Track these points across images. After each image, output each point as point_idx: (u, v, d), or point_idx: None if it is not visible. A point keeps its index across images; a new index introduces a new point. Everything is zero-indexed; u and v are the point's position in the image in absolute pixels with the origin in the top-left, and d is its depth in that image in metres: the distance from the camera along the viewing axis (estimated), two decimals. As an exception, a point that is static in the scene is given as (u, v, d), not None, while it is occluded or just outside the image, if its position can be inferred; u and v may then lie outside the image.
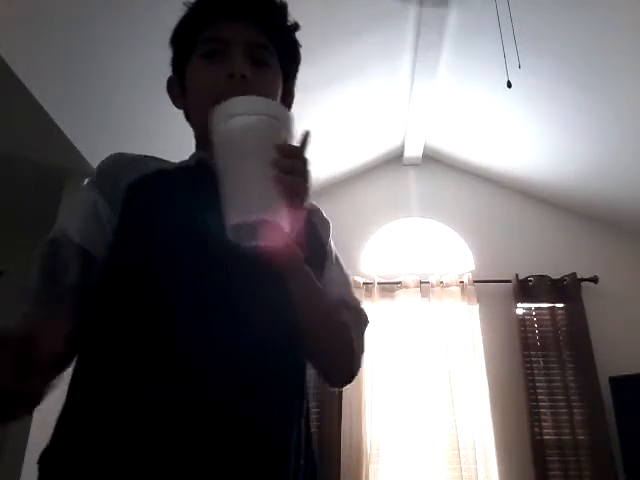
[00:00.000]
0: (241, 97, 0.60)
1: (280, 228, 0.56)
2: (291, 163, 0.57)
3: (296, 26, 0.80)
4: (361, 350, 0.77)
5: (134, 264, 0.66)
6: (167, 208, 0.69)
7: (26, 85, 1.96)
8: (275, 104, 0.61)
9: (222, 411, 0.59)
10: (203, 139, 0.69)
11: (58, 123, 2.18)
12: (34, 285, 0.64)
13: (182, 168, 0.77)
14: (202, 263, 0.65)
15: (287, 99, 0.82)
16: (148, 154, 0.79)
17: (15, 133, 2.31)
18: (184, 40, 0.77)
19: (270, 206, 0.55)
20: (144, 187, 0.71)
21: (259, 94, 0.69)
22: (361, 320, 0.80)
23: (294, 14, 0.80)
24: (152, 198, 0.71)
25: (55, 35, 1.90)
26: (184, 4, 0.77)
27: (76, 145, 2.32)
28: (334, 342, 0.73)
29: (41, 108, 2.08)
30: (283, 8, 0.78)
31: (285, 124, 0.60)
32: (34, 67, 1.95)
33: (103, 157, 0.76)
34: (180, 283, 0.65)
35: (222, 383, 0.60)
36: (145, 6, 1.94)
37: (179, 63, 0.78)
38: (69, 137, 2.27)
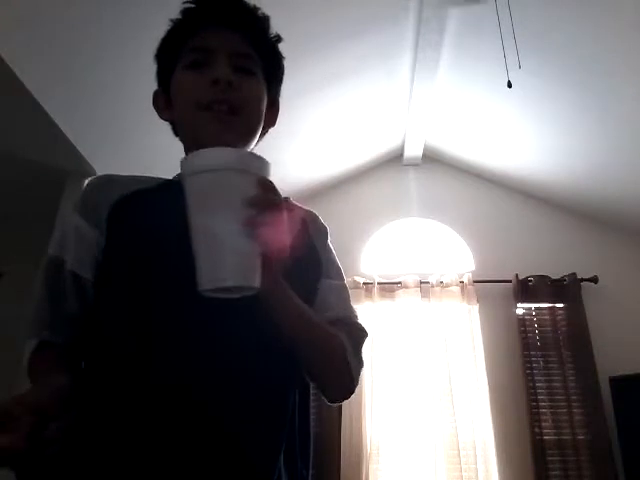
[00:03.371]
0: (208, 150, 0.56)
1: (252, 288, 0.54)
2: (257, 215, 0.53)
3: (278, 38, 0.81)
4: (359, 366, 0.77)
5: (112, 292, 0.68)
6: (139, 232, 0.70)
7: (26, 85, 1.96)
8: (245, 154, 0.57)
9: (209, 429, 0.61)
10: (191, 150, 0.66)
11: (58, 123, 2.18)
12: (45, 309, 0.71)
13: (164, 184, 0.78)
14: (177, 292, 0.65)
15: (272, 110, 0.82)
16: (137, 172, 0.80)
17: (15, 133, 2.30)
18: (169, 52, 0.77)
19: (239, 272, 0.53)
20: (122, 210, 0.72)
21: (245, 101, 0.73)
22: (359, 335, 0.79)
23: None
24: (127, 222, 0.71)
25: (56, 35, 1.90)
26: (170, 20, 0.78)
27: (77, 146, 2.32)
28: (328, 361, 0.73)
29: (41, 108, 2.07)
30: (266, 20, 0.79)
31: (258, 174, 0.56)
32: (34, 67, 1.95)
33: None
34: (158, 312, 0.66)
35: (208, 403, 0.62)
36: (147, 7, 1.94)
37: (164, 76, 0.79)
38: (69, 137, 2.27)
